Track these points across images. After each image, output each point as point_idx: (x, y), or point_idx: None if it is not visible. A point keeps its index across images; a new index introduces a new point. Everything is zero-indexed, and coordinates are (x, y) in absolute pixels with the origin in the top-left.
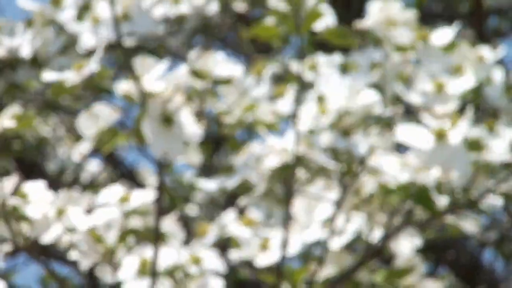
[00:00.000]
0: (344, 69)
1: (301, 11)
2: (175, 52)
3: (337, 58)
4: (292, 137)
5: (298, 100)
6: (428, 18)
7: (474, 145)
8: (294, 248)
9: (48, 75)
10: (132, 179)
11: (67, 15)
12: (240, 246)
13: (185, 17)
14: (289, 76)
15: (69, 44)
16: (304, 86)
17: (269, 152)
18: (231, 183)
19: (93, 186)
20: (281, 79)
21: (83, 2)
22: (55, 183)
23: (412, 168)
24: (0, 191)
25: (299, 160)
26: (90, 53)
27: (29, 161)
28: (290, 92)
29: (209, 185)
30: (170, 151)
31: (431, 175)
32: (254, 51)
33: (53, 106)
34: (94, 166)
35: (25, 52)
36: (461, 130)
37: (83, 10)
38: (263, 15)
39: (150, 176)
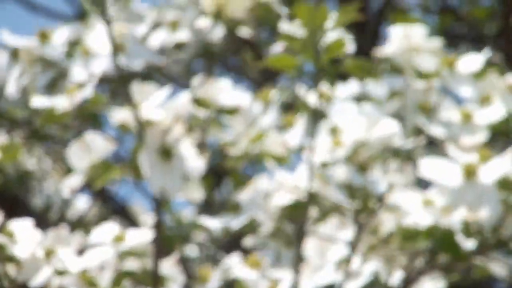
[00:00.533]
0: (361, 98)
1: (321, 39)
2: (175, 78)
3: (353, 86)
4: (303, 172)
5: (310, 131)
6: (452, 41)
7: (505, 184)
8: None
9: (38, 101)
10: (124, 216)
11: (56, 50)
12: None
13: (184, 43)
14: (300, 104)
15: (58, 79)
16: (316, 116)
17: (279, 188)
18: (236, 223)
19: (82, 224)
20: (290, 107)
21: (73, 37)
22: (40, 220)
23: (435, 209)
24: None
25: (312, 198)
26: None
27: (11, 196)
28: (300, 121)
29: (213, 224)
30: (169, 186)
31: (457, 217)
32: (259, 76)
33: (39, 136)
34: (82, 202)
35: (11, 90)
36: (495, 168)
37: (73, 45)
38: (270, 40)
39: (144, 213)
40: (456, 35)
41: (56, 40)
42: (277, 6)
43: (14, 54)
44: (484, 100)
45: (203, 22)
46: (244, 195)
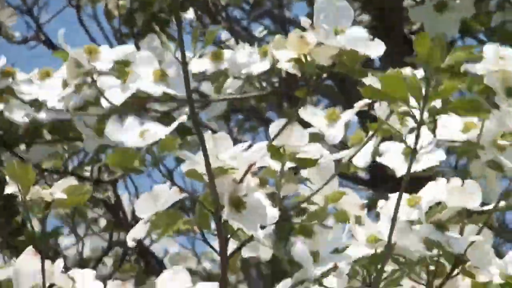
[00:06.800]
0: None
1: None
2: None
3: None
4: (382, 225)
5: None
6: None
7: None
8: None
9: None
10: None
11: (102, 66)
12: None
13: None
14: None
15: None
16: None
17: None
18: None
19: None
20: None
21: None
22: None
23: None
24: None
25: (390, 249)
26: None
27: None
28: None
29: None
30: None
31: None
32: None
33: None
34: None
35: (51, 103)
36: None
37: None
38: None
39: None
40: None
41: (104, 57)
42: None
43: (45, 72)
44: None
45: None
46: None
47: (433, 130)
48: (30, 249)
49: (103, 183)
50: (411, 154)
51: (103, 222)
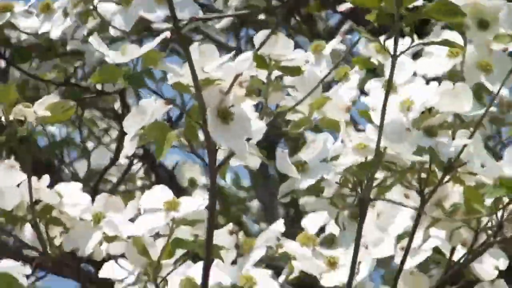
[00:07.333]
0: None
1: None
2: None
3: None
4: (372, 131)
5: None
6: None
7: None
8: (365, 267)
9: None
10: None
11: None
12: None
13: None
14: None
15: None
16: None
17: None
18: (304, 183)
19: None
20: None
21: None
22: None
23: None
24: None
25: (380, 156)
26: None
27: (47, 164)
28: (354, 75)
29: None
30: (233, 147)
31: None
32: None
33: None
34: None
35: (55, 34)
36: None
37: None
38: None
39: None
40: None
41: None
42: None
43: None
44: None
45: None
46: (309, 155)
47: (411, 35)
48: (11, 162)
49: (106, 94)
50: (392, 60)
51: (114, 133)
